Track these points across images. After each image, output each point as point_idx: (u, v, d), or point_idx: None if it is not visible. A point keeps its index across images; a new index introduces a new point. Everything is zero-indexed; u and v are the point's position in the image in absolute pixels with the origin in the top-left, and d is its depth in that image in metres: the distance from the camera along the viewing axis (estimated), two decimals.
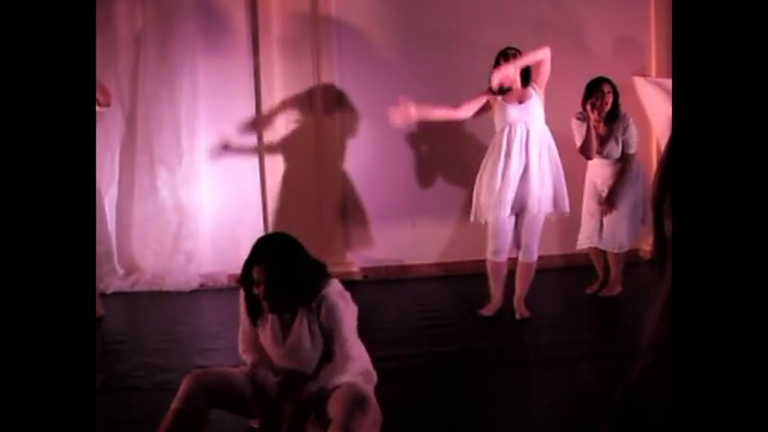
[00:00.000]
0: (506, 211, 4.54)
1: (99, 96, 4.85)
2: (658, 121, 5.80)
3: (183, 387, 2.71)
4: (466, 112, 4.70)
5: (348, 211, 6.00)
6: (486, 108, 4.71)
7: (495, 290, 4.76)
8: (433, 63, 5.87)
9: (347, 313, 2.80)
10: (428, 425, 3.17)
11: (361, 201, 6.02)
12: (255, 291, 2.74)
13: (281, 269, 2.71)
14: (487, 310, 4.76)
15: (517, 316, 4.70)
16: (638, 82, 5.95)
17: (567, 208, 4.69)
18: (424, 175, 6.03)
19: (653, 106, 5.86)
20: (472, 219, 4.72)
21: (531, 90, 4.59)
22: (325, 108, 5.90)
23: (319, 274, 2.81)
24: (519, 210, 4.58)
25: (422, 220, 6.05)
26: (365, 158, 5.98)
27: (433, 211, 6.02)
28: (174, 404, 2.67)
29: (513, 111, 4.55)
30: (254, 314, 2.84)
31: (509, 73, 4.51)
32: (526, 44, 4.72)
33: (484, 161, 4.68)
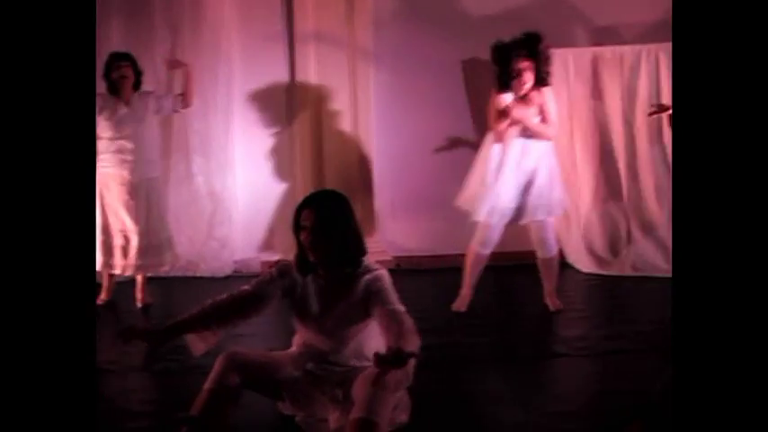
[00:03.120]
0: (505, 219, 4.50)
1: (188, 95, 5.13)
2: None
3: (216, 367, 2.74)
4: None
5: (382, 199, 5.99)
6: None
7: (468, 281, 4.68)
8: (472, 50, 5.81)
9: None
10: (458, 415, 3.16)
11: (394, 189, 6.00)
12: (302, 237, 2.76)
13: (329, 213, 2.75)
14: (459, 306, 4.69)
15: (551, 308, 4.67)
16: None
17: (563, 209, 4.74)
18: (460, 164, 5.98)
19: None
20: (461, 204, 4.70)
21: (533, 96, 4.40)
22: (361, 93, 5.89)
23: (363, 243, 2.84)
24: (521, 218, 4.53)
25: (455, 211, 6.00)
26: (400, 147, 5.96)
27: None
28: (207, 384, 2.71)
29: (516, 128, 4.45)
30: (304, 269, 2.84)
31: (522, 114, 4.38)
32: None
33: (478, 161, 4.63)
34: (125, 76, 4.84)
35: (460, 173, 5.90)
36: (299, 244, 2.81)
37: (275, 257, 5.97)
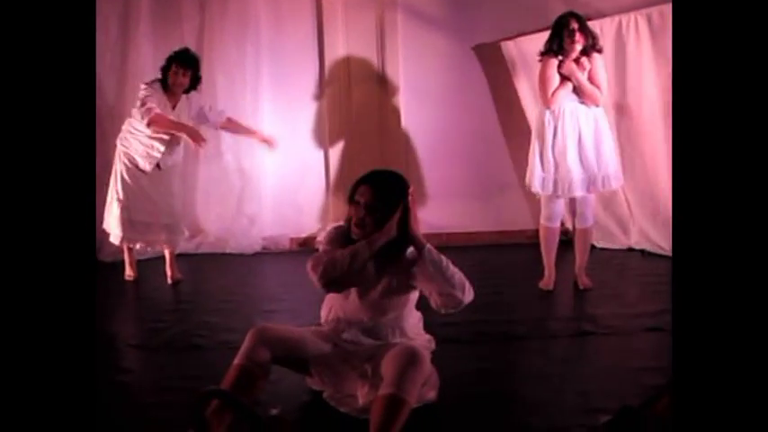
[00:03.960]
0: (566, 190, 4.47)
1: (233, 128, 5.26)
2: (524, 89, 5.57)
3: (246, 342, 2.75)
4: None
5: (410, 176, 5.95)
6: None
7: (548, 259, 4.67)
8: (498, 27, 5.73)
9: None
10: (485, 393, 3.14)
11: (424, 166, 5.97)
12: (353, 211, 2.79)
13: (385, 194, 2.75)
14: (546, 284, 4.67)
15: (580, 286, 4.64)
16: (506, 47, 5.65)
17: (621, 182, 4.66)
18: (489, 141, 5.93)
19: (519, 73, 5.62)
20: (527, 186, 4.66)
21: (584, 62, 4.44)
22: (389, 70, 5.85)
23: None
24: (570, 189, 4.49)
25: (486, 187, 5.97)
26: (429, 123, 5.92)
27: (498, 177, 5.93)
28: (237, 360, 2.71)
29: (567, 90, 4.44)
30: (350, 241, 2.84)
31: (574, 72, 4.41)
32: None
33: (534, 138, 4.57)
34: (181, 84, 4.75)
35: (490, 148, 5.90)
36: (349, 216, 2.83)
37: (303, 234, 6.01)
